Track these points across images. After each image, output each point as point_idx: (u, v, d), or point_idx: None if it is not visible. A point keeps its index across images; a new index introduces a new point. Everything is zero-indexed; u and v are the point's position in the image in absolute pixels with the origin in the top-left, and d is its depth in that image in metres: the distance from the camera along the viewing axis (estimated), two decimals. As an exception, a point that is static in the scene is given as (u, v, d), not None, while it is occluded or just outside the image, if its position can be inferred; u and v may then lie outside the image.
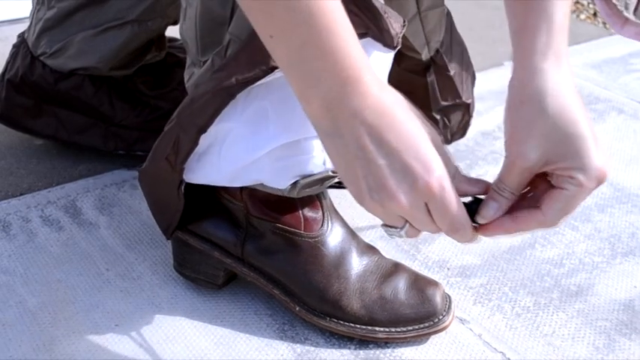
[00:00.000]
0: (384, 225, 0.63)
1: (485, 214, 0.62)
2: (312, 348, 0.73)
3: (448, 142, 1.06)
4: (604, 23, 1.84)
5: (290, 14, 0.54)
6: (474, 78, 1.03)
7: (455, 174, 0.61)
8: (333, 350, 0.73)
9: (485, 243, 0.90)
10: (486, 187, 0.63)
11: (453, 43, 0.99)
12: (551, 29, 0.62)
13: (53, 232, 0.87)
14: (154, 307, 0.77)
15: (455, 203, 0.58)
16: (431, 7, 0.94)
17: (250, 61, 0.64)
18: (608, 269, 0.87)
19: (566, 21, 0.63)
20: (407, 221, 0.60)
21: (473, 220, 0.61)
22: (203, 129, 0.68)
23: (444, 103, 1.00)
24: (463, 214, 0.59)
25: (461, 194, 0.60)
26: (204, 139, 0.69)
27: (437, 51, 0.98)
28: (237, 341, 0.74)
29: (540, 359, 0.74)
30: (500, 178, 0.63)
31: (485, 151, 1.11)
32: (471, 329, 0.77)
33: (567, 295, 0.83)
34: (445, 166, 0.58)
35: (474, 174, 1.05)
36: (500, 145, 1.13)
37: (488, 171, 1.06)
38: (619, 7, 0.95)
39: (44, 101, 0.98)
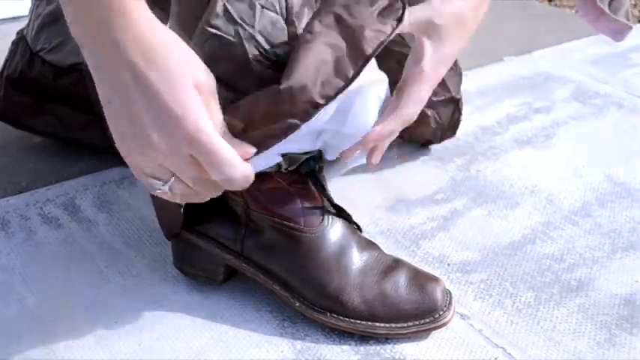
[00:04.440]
0: (145, 174, 0.59)
1: None
2: (312, 344, 0.73)
3: (439, 140, 1.05)
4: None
5: None
6: (460, 76, 1.03)
7: (223, 126, 0.59)
8: (334, 346, 0.73)
9: (485, 239, 0.90)
10: (248, 154, 0.61)
11: None
12: None
13: (52, 230, 0.87)
14: (153, 304, 0.77)
15: (216, 143, 0.56)
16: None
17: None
18: (609, 264, 0.87)
19: None
20: (173, 174, 0.58)
21: None
22: None
23: (435, 98, 1.00)
24: (229, 152, 0.57)
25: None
26: None
27: None
28: (237, 338, 0.73)
29: (541, 354, 0.73)
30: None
31: (484, 146, 1.11)
32: (471, 325, 0.77)
33: (568, 290, 0.82)
34: (210, 114, 0.56)
35: (473, 169, 1.05)
36: (500, 140, 1.13)
37: (488, 166, 1.06)
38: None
39: (43, 99, 0.98)
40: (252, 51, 0.68)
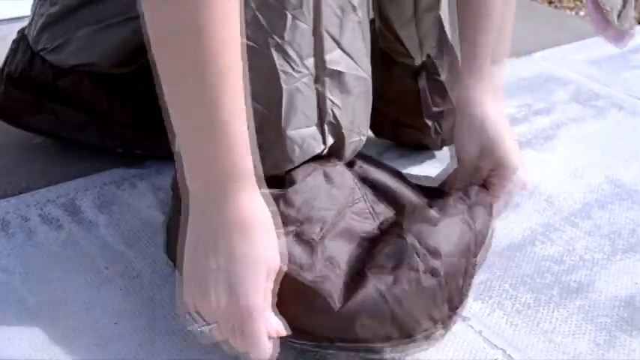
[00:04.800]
0: (190, 311, 0.64)
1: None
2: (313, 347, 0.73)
3: (439, 148, 1.05)
4: (604, 20, 1.84)
5: (198, 95, 0.58)
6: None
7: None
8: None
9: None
10: (279, 334, 0.64)
11: (444, 48, 0.99)
12: (494, 70, 0.83)
13: (52, 231, 0.87)
14: (153, 305, 0.77)
15: (259, 338, 0.61)
16: (426, 9, 0.94)
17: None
18: (609, 266, 0.87)
19: (506, 56, 0.85)
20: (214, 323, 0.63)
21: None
22: None
23: (435, 109, 1.00)
24: (264, 348, 0.62)
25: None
26: None
27: (428, 55, 0.98)
28: (237, 339, 0.73)
29: (541, 356, 0.73)
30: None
31: (485, 148, 1.11)
32: (471, 326, 0.77)
33: (568, 291, 0.82)
34: (268, 294, 0.62)
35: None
36: (500, 142, 1.13)
37: (488, 168, 1.06)
38: (605, 9, 0.95)
39: (43, 97, 0.97)
40: (279, 61, 0.68)
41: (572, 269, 0.86)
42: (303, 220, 0.69)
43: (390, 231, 0.73)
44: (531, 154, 1.10)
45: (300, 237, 0.69)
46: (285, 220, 0.68)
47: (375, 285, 0.67)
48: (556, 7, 1.89)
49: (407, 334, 0.67)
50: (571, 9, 1.90)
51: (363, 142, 0.79)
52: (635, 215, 0.96)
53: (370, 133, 0.93)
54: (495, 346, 0.74)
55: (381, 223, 0.74)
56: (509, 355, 0.73)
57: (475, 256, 0.75)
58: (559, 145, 1.13)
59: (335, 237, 0.71)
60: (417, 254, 0.69)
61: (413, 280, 0.68)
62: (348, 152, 0.76)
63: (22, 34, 1.01)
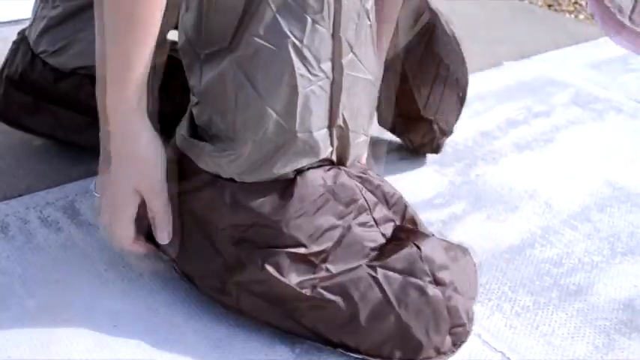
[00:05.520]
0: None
1: None
2: (311, 348, 0.73)
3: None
4: (603, 23, 1.84)
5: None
6: (455, 102, 1.02)
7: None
8: (332, 350, 0.73)
9: (484, 243, 0.90)
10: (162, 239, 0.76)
11: (427, 56, 0.98)
12: None
13: (52, 233, 0.87)
14: (152, 308, 0.77)
15: (128, 223, 0.74)
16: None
17: None
18: (608, 268, 0.87)
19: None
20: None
21: None
22: None
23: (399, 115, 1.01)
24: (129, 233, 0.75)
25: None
26: None
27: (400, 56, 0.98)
28: (235, 342, 0.73)
29: (540, 358, 0.73)
30: None
31: (484, 150, 1.11)
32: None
33: (567, 294, 0.82)
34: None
35: (473, 174, 1.05)
36: (499, 144, 1.13)
37: (487, 171, 1.06)
38: (612, 10, 0.93)
39: (42, 100, 0.97)
40: (297, 65, 0.68)
41: (572, 272, 0.86)
42: (307, 243, 0.72)
43: (396, 238, 0.75)
44: (531, 156, 1.10)
45: (303, 258, 0.71)
46: (292, 242, 0.71)
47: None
48: (556, 10, 1.89)
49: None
50: (570, 12, 1.91)
51: (367, 142, 0.80)
52: (635, 218, 0.96)
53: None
54: (494, 348, 0.74)
55: (384, 229, 0.76)
56: (508, 357, 0.73)
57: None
58: (558, 148, 1.13)
59: (344, 249, 0.73)
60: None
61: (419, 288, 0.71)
62: (352, 154, 0.77)
63: (22, 36, 1.01)
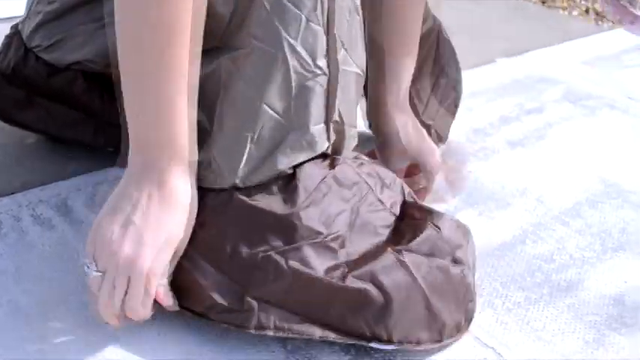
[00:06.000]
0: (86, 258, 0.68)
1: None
2: (303, 344, 0.73)
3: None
4: (596, 20, 1.85)
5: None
6: (451, 109, 1.03)
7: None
8: (324, 347, 0.73)
9: (476, 239, 0.90)
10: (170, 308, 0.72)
11: (429, 62, 0.99)
12: (403, 75, 0.92)
13: (45, 231, 0.87)
14: (145, 304, 0.77)
15: (148, 297, 0.67)
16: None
17: None
18: (599, 264, 0.88)
19: (409, 76, 0.93)
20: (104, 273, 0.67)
21: None
22: None
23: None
24: (147, 308, 0.69)
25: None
26: None
27: None
28: (228, 338, 0.74)
29: (531, 354, 0.74)
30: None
31: (476, 147, 1.12)
32: (461, 325, 0.77)
33: (558, 290, 0.83)
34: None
35: (464, 170, 1.05)
36: (492, 141, 1.14)
37: (479, 167, 1.06)
38: (622, 3, 0.93)
39: (35, 94, 0.97)
40: (292, 62, 0.69)
41: (563, 268, 0.87)
42: (324, 230, 0.71)
43: (409, 216, 0.77)
44: (523, 153, 1.11)
45: (324, 244, 0.71)
46: (309, 233, 0.71)
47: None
48: (549, 6, 1.89)
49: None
50: (564, 9, 1.91)
51: (356, 135, 0.80)
52: (626, 214, 0.97)
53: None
54: (486, 344, 0.75)
55: (391, 208, 0.77)
56: (499, 353, 0.74)
57: None
58: (550, 145, 1.14)
59: (356, 233, 0.73)
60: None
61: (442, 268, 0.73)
62: (347, 147, 0.78)
63: (15, 30, 1.01)
